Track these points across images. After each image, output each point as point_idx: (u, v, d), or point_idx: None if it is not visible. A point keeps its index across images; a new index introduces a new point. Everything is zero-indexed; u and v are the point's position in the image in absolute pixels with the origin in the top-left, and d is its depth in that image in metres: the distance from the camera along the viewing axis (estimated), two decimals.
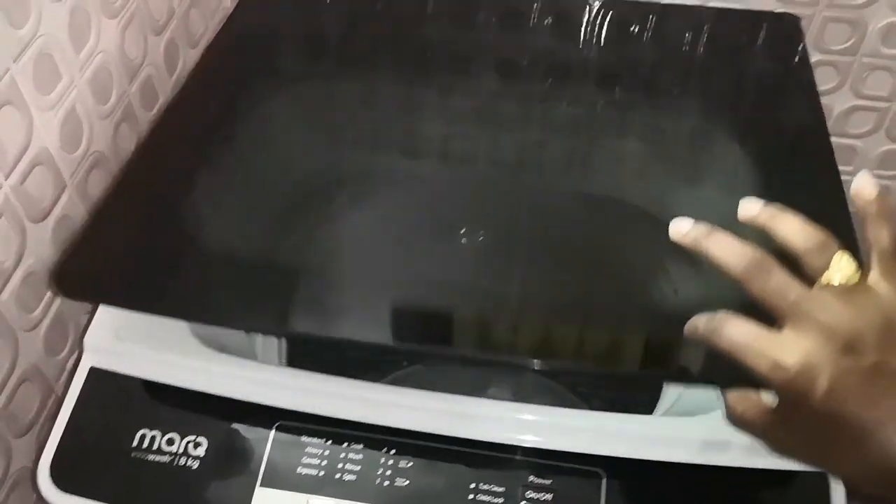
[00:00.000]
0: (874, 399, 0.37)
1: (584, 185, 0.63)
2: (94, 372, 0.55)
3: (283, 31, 0.74)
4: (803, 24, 0.88)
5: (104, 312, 0.57)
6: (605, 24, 0.72)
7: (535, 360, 0.47)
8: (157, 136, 0.63)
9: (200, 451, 0.52)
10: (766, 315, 0.40)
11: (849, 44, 0.90)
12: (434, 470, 0.51)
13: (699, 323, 0.42)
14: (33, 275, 0.62)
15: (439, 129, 0.66)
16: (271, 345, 0.69)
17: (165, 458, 0.52)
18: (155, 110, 0.77)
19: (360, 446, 0.52)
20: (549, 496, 0.50)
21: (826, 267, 0.40)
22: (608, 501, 0.50)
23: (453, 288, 0.55)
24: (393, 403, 0.52)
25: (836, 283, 0.40)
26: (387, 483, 0.51)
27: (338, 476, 0.51)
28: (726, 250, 0.41)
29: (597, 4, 0.74)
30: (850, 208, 0.45)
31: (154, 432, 0.53)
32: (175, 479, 0.51)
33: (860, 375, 0.37)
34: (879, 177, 1.03)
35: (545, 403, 1.10)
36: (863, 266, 0.41)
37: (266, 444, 0.52)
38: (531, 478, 0.51)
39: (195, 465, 0.51)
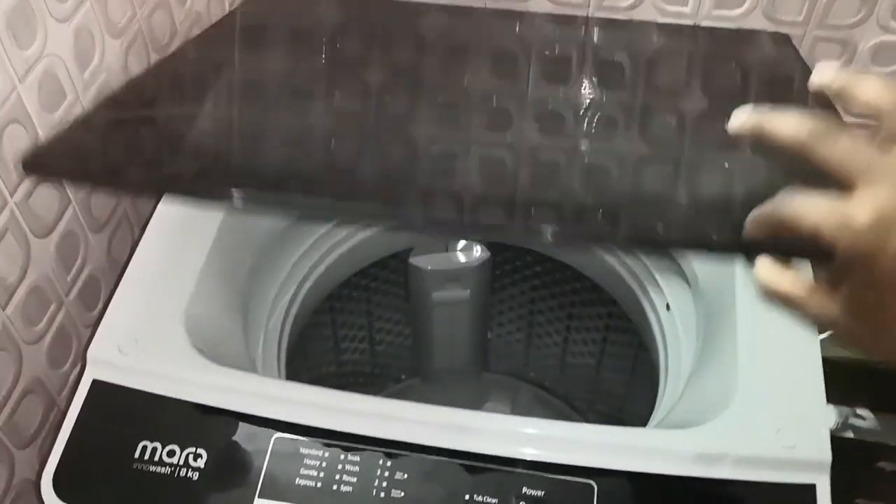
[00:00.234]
0: None
1: None
2: (96, 384, 0.56)
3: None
4: (794, 43, 0.90)
5: (107, 326, 0.58)
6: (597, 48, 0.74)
7: (552, 228, 0.43)
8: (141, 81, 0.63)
9: (201, 463, 0.53)
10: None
11: (840, 63, 0.91)
12: (429, 481, 0.52)
13: (763, 209, 0.40)
14: (37, 289, 0.63)
15: None
16: (271, 359, 0.70)
17: (166, 470, 0.53)
18: None
19: (357, 458, 0.53)
20: None
21: None
22: None
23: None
24: (389, 416, 0.53)
25: None
26: (383, 494, 0.52)
27: (335, 487, 0.52)
28: (787, 120, 0.38)
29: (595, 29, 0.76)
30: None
31: (155, 444, 0.54)
32: (176, 490, 0.52)
33: None
34: None
35: (542, 416, 1.11)
36: None
37: (265, 456, 0.53)
38: (524, 489, 0.51)
39: (195, 476, 0.52)
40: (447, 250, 0.89)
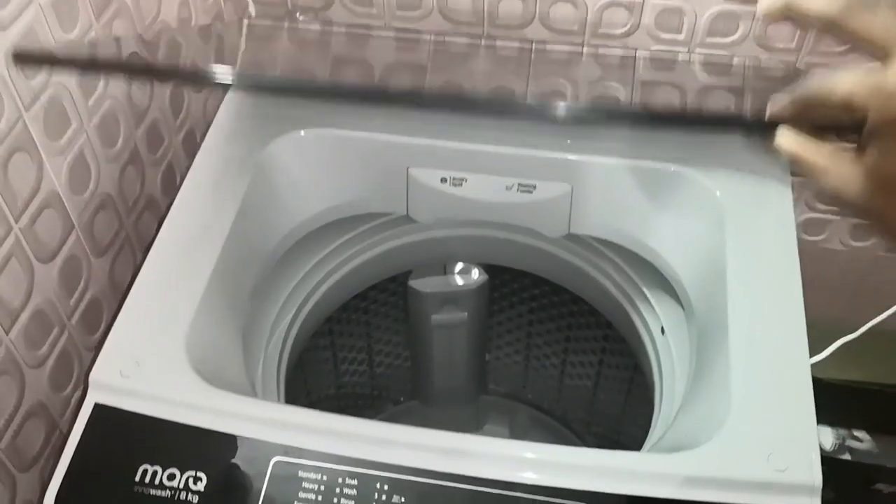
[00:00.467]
0: None
1: None
2: (98, 408, 0.57)
3: None
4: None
5: (109, 350, 0.59)
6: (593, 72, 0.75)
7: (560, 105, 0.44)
8: None
9: (200, 486, 0.54)
10: None
11: None
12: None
13: (790, 90, 0.40)
14: (40, 313, 0.64)
15: None
16: (270, 381, 0.71)
17: (166, 493, 0.53)
18: (160, 152, 0.80)
19: (356, 481, 0.53)
20: None
21: None
22: None
23: None
24: (388, 440, 0.54)
25: None
26: None
27: None
28: None
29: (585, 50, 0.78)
30: None
31: (155, 467, 0.55)
32: None
33: None
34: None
35: (540, 438, 1.11)
36: None
37: (264, 479, 0.53)
38: None
39: (195, 499, 0.53)
40: (445, 273, 0.91)
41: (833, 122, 0.39)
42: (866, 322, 0.93)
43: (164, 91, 0.79)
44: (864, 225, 0.40)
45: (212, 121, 0.74)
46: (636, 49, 0.81)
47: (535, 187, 0.72)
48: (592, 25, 0.83)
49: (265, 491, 0.53)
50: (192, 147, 0.86)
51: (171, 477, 0.54)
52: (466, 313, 0.93)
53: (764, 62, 0.82)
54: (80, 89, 0.65)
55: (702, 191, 0.67)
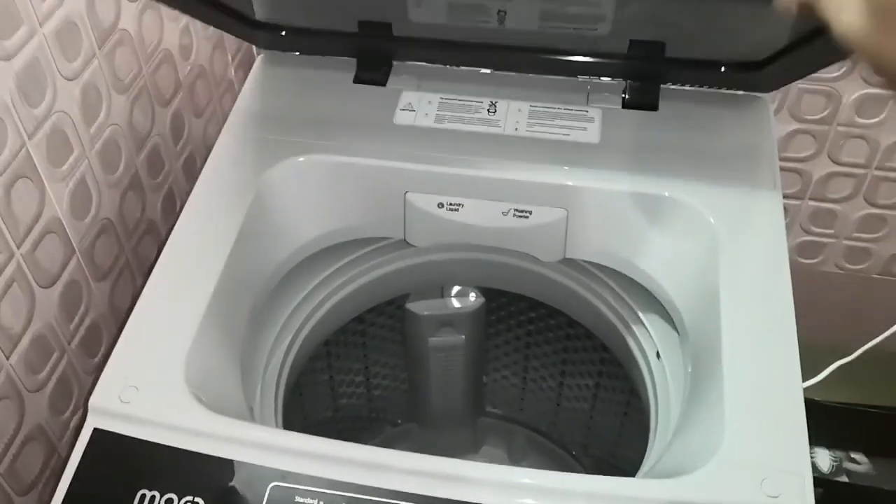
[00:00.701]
0: None
1: None
2: (97, 433, 0.57)
3: None
4: (780, 95, 0.93)
5: (108, 375, 0.59)
6: None
7: None
8: None
9: None
10: None
11: (825, 113, 0.94)
12: None
13: None
14: (41, 338, 0.65)
15: None
16: (268, 405, 0.71)
17: None
18: (160, 177, 0.81)
19: None
20: None
21: None
22: None
23: None
24: (385, 466, 0.54)
25: None
26: None
27: None
28: None
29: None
30: None
31: (153, 492, 0.55)
32: None
33: None
34: (860, 240, 1.06)
35: (537, 460, 1.11)
36: None
37: None
38: None
39: None
40: (442, 296, 0.91)
41: None
42: (862, 344, 0.93)
43: (165, 117, 0.80)
44: (860, 61, 0.39)
45: (212, 146, 0.74)
46: None
47: (530, 213, 0.72)
48: None
49: None
50: (192, 172, 0.87)
51: (169, 502, 0.54)
52: (463, 336, 0.94)
53: None
54: (83, 116, 0.66)
55: (695, 216, 0.68)
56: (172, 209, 0.84)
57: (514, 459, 1.12)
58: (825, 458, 1.16)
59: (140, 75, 0.74)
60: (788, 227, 1.05)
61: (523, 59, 0.78)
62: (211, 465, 0.55)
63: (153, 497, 0.54)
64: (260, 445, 0.55)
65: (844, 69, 0.90)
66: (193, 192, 0.70)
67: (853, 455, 1.17)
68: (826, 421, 1.02)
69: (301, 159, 0.72)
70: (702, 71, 0.75)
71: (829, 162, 0.99)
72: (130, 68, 0.73)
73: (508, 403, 1.08)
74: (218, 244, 0.66)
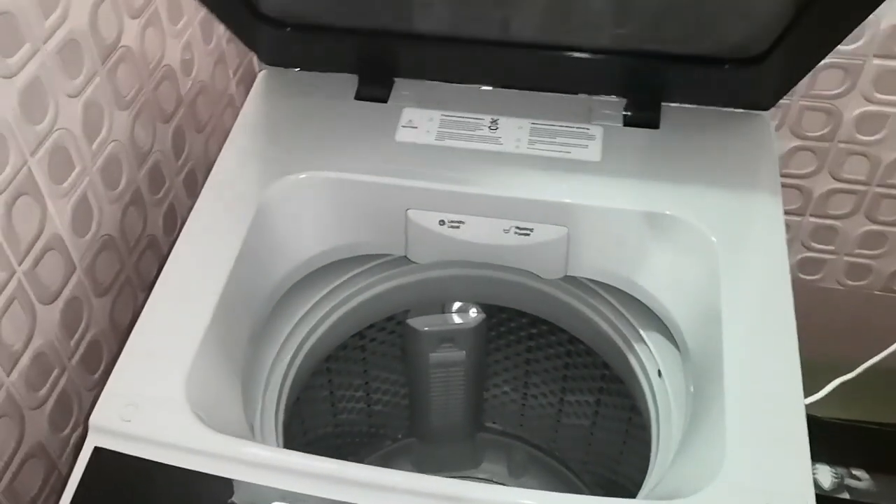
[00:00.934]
0: None
1: None
2: (97, 452, 0.57)
3: None
4: (781, 112, 0.93)
5: (109, 393, 0.59)
6: None
7: None
8: None
9: None
10: None
11: (825, 130, 0.94)
12: None
13: None
14: (41, 355, 0.65)
15: None
16: (269, 421, 0.71)
17: None
18: (161, 193, 0.81)
19: None
20: None
21: None
22: None
23: None
24: (384, 486, 0.54)
25: None
26: None
27: None
28: None
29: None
30: None
31: None
32: None
33: None
34: (861, 256, 1.06)
35: (537, 477, 1.11)
36: None
37: None
38: None
39: None
40: (443, 312, 0.91)
41: None
42: (864, 361, 0.94)
43: (167, 133, 0.80)
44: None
45: (213, 161, 0.75)
46: None
47: (532, 230, 0.72)
48: None
49: None
50: (193, 187, 0.87)
51: None
52: (464, 352, 0.94)
53: None
54: (85, 133, 0.66)
55: (696, 235, 0.68)
56: (173, 225, 0.84)
57: (515, 475, 1.11)
58: (826, 475, 1.16)
59: (142, 91, 0.74)
60: (789, 243, 1.05)
61: (525, 75, 0.78)
62: (212, 484, 0.55)
63: None
64: (260, 465, 0.55)
65: (846, 86, 0.90)
66: (195, 208, 0.70)
67: (854, 471, 1.17)
68: (827, 437, 1.01)
69: (302, 176, 0.72)
70: (702, 88, 0.75)
71: (829, 179, 0.99)
72: (132, 84, 0.73)
73: (509, 419, 1.08)
74: (219, 261, 0.66)
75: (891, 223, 1.02)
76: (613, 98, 0.78)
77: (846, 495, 1.15)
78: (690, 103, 0.77)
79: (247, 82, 0.97)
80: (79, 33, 0.64)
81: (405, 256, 0.78)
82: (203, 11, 0.84)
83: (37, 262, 0.62)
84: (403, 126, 0.76)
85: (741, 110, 0.76)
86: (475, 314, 0.91)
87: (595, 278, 0.76)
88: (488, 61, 0.77)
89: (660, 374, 0.73)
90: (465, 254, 0.75)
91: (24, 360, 0.63)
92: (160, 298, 0.65)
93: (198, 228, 0.69)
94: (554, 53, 0.74)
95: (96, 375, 0.73)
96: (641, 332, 0.76)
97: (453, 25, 0.74)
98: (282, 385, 0.74)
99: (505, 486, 0.56)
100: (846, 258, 1.07)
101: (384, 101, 0.79)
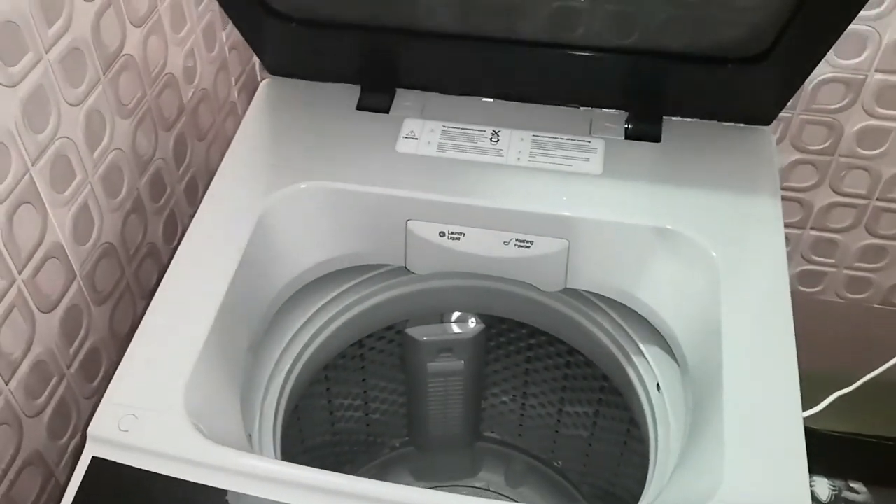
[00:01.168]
0: None
1: None
2: (95, 461, 0.57)
3: None
4: (782, 125, 0.93)
5: (108, 403, 0.59)
6: None
7: None
8: None
9: None
10: None
11: (826, 144, 0.94)
12: None
13: None
14: (40, 363, 0.64)
15: None
16: (267, 431, 0.71)
17: None
18: (162, 201, 0.81)
19: None
20: None
21: None
22: None
23: None
24: (382, 499, 0.54)
25: None
26: None
27: None
28: None
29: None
30: None
31: None
32: None
33: None
34: (861, 269, 1.06)
35: (535, 487, 1.11)
36: None
37: None
38: None
39: None
40: (442, 321, 0.91)
41: None
42: (863, 374, 0.94)
43: (168, 140, 0.80)
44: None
45: (214, 169, 0.75)
46: None
47: (532, 243, 0.72)
48: None
49: None
50: (194, 195, 0.87)
51: None
52: (462, 361, 0.94)
53: None
54: (86, 141, 0.66)
55: (697, 249, 0.68)
56: (174, 232, 0.84)
57: (512, 485, 1.11)
58: (824, 487, 1.16)
59: (144, 99, 0.74)
60: (789, 255, 1.05)
61: (526, 76, 0.78)
62: (209, 495, 0.55)
63: None
64: (258, 477, 0.55)
65: (847, 100, 0.90)
66: (195, 217, 0.71)
67: (852, 484, 1.17)
68: (825, 450, 1.01)
69: (303, 186, 0.72)
70: (704, 93, 0.75)
71: (830, 192, 0.99)
72: (134, 93, 0.73)
73: (507, 429, 1.08)
74: (219, 271, 0.66)
75: (891, 237, 1.02)
76: (615, 111, 0.78)
77: None
78: (692, 114, 0.77)
79: (249, 90, 0.97)
80: (82, 42, 0.64)
81: (405, 267, 0.78)
82: (206, 19, 0.84)
83: (37, 270, 0.62)
84: (404, 137, 0.76)
85: (743, 125, 0.77)
86: (474, 324, 0.91)
87: (595, 291, 0.76)
88: (490, 60, 0.77)
89: (658, 387, 0.73)
90: (465, 265, 0.75)
91: (24, 367, 0.62)
92: (160, 307, 0.65)
93: (199, 237, 0.69)
94: (556, 51, 0.73)
95: (95, 383, 0.73)
96: (640, 345, 0.76)
97: (456, 20, 0.74)
98: (280, 394, 0.74)
99: (504, 501, 0.56)
100: (846, 271, 1.07)
101: (386, 111, 0.79)
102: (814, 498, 1.14)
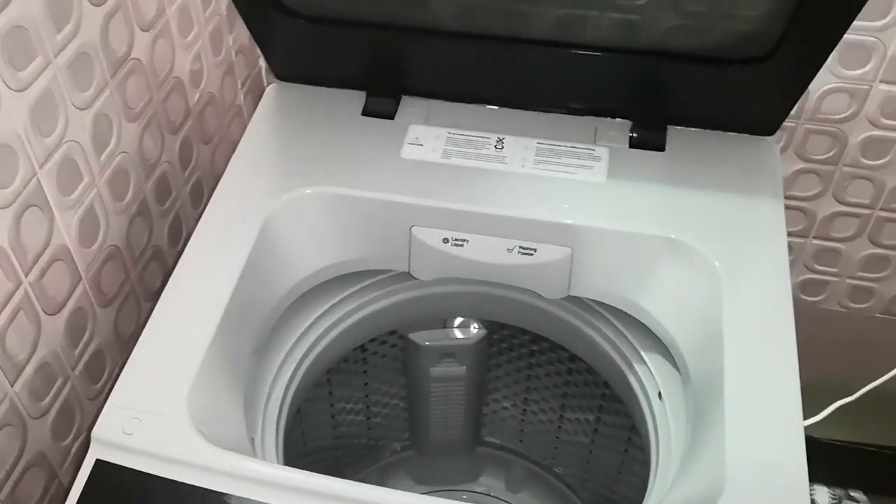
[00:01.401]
0: None
1: None
2: (99, 464, 0.57)
3: None
4: (786, 134, 0.93)
5: (112, 406, 0.59)
6: None
7: None
8: None
9: None
10: None
11: (830, 154, 0.94)
12: None
13: None
14: (45, 365, 0.65)
15: None
16: (270, 435, 0.71)
17: None
18: (168, 203, 0.81)
19: None
20: None
21: None
22: None
23: None
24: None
25: None
26: None
27: None
28: None
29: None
30: None
31: None
32: None
33: None
34: (863, 279, 1.06)
35: (535, 492, 1.11)
36: None
37: None
38: None
39: None
40: (445, 327, 0.91)
41: None
42: (864, 383, 0.93)
43: (174, 144, 0.81)
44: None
45: (219, 173, 0.75)
46: None
47: (535, 250, 0.73)
48: None
49: None
50: (199, 198, 0.88)
51: None
52: (464, 367, 0.94)
53: None
54: (93, 145, 0.67)
55: (699, 259, 0.68)
56: (179, 235, 0.85)
57: (512, 490, 1.11)
58: (824, 496, 1.16)
59: (151, 103, 0.75)
60: (792, 264, 1.05)
61: (531, 96, 0.79)
62: (211, 499, 0.55)
63: None
64: (261, 481, 0.56)
65: (851, 110, 0.90)
66: (201, 221, 0.71)
67: (852, 493, 1.17)
68: (826, 458, 1.01)
69: (308, 191, 0.73)
70: (708, 97, 0.75)
71: (834, 202, 0.99)
72: (141, 96, 0.73)
73: (508, 434, 1.08)
74: (223, 275, 0.67)
75: (894, 247, 1.02)
76: (619, 120, 0.78)
77: None
78: (696, 122, 0.77)
79: (255, 94, 0.97)
80: (90, 46, 0.64)
81: (408, 272, 0.78)
82: (213, 23, 0.84)
83: (43, 273, 0.63)
84: (409, 143, 0.77)
85: (746, 135, 0.77)
86: (476, 330, 0.91)
87: (597, 299, 0.76)
88: (495, 61, 0.77)
89: (660, 396, 0.73)
90: (468, 272, 0.76)
91: (29, 369, 0.63)
92: (165, 311, 0.65)
93: (203, 241, 0.70)
94: (561, 51, 0.74)
95: (99, 385, 0.73)
96: (642, 353, 0.76)
97: (464, 18, 0.74)
98: (283, 397, 0.74)
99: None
100: (849, 281, 1.07)
101: (391, 117, 0.79)
102: None
